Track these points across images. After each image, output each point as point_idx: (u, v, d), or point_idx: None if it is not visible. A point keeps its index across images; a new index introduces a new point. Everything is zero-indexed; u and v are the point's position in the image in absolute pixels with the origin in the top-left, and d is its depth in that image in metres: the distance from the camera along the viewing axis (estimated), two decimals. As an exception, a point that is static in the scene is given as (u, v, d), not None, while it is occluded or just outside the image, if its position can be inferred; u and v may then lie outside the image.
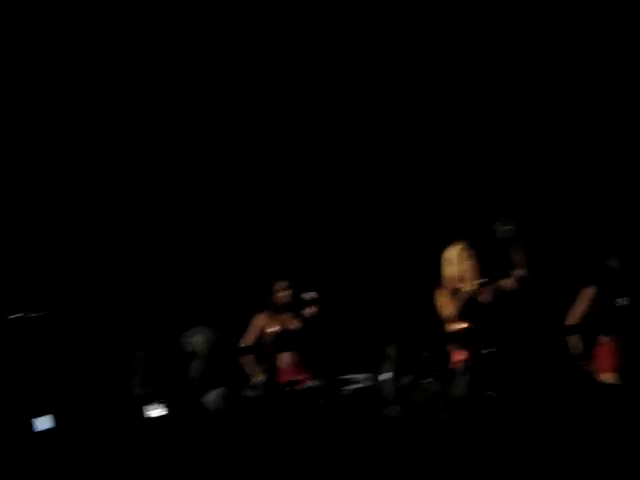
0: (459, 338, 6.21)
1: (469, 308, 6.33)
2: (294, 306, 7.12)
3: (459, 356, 6.23)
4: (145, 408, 6.73)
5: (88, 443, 6.06)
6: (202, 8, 8.67)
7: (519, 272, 6.31)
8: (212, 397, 7.10)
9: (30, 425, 5.76)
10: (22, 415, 5.93)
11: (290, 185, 8.88)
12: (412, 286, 8.16)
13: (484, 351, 6.16)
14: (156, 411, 6.80)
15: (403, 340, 6.83)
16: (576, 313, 6.78)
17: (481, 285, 6.32)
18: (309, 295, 7.09)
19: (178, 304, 8.24)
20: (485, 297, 6.34)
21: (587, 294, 6.81)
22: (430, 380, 6.50)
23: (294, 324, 7.12)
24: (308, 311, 7.10)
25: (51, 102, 8.64)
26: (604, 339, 6.69)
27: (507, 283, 6.35)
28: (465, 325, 6.27)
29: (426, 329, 6.95)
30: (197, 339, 7.60)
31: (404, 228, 8.73)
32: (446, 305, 6.30)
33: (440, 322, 6.39)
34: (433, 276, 6.48)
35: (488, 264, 6.37)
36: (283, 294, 7.16)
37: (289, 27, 8.78)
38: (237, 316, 7.62)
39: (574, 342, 6.76)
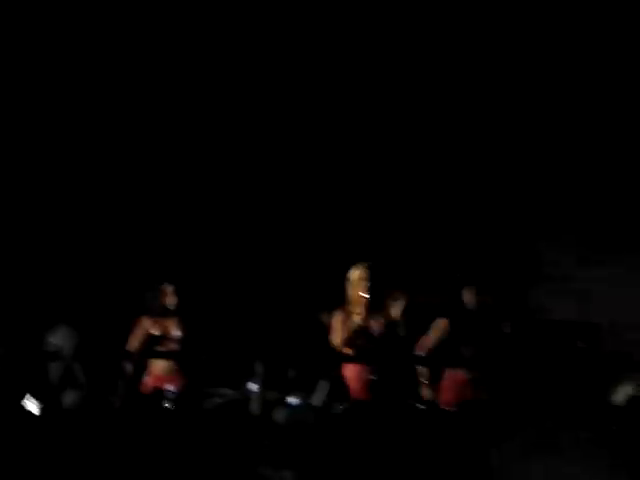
0: (346, 361, 6.29)
1: (358, 334, 6.37)
2: (178, 312, 7.02)
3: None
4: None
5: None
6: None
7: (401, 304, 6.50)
8: (71, 399, 6.95)
9: None
10: None
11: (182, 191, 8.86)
12: (295, 305, 8.25)
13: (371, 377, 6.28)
14: (31, 405, 6.62)
15: (272, 357, 6.87)
16: (426, 343, 6.95)
17: (373, 312, 6.39)
18: None
19: (44, 303, 8.06)
20: (375, 325, 6.41)
21: (440, 326, 7.00)
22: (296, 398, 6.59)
23: (176, 331, 7.01)
24: None
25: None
26: (452, 371, 6.85)
27: (395, 313, 6.47)
28: (351, 350, 6.34)
29: (297, 348, 7.04)
30: (59, 339, 7.43)
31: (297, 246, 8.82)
32: (337, 328, 6.35)
33: (318, 343, 6.47)
34: (322, 296, 6.57)
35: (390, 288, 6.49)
36: (168, 298, 7.05)
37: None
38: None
39: (422, 372, 6.89)
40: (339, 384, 6.37)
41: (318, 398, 6.38)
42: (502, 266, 9.74)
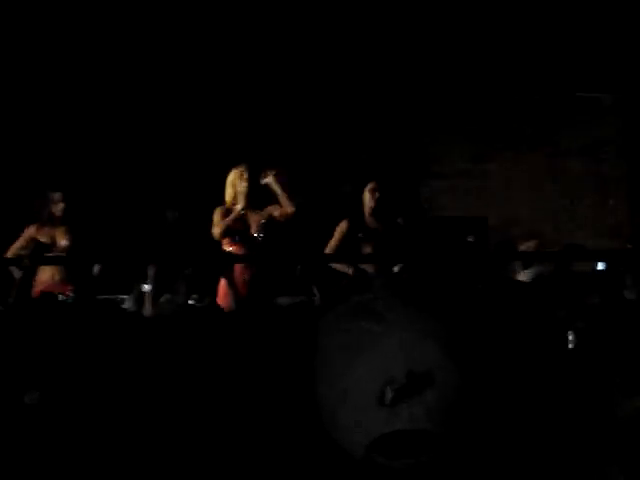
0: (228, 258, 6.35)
1: (237, 228, 6.54)
2: (67, 220, 6.96)
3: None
4: None
5: None
6: None
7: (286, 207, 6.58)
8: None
9: None
10: None
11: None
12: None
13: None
14: None
15: (164, 259, 6.85)
16: (330, 244, 7.04)
17: (251, 208, 6.53)
18: None
19: None
20: (255, 220, 6.56)
21: (341, 227, 7.11)
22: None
23: (63, 239, 6.94)
24: None
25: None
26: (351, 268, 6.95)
27: (276, 211, 6.59)
28: (232, 246, 6.47)
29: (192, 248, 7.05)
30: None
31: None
32: (217, 224, 6.49)
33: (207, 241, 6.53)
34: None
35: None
36: (56, 206, 6.96)
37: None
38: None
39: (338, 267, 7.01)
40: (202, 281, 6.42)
41: (179, 297, 6.39)
42: (393, 163, 9.83)
